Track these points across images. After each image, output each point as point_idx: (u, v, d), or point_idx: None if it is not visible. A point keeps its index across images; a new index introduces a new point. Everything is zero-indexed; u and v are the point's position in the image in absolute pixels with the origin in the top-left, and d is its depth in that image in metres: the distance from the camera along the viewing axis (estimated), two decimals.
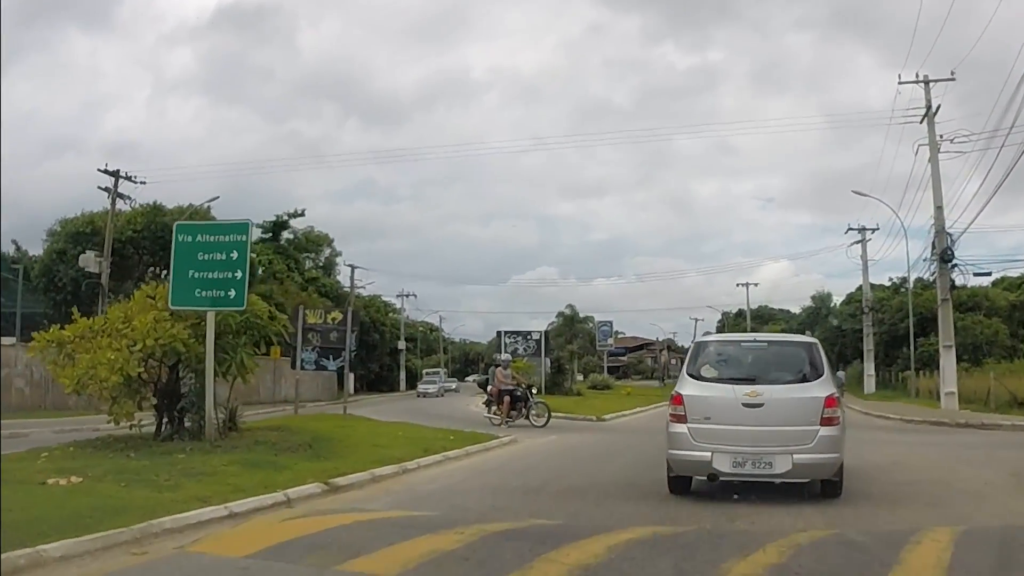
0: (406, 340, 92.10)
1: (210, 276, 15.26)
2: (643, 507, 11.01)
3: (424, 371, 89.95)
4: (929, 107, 37.91)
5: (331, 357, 30.96)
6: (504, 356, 30.88)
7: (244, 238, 15.37)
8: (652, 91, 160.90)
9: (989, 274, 37.79)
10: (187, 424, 15.99)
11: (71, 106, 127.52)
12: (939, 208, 36.98)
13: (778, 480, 11.16)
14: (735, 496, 11.29)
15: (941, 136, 37.60)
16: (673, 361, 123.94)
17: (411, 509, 10.67)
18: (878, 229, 59.72)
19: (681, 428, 11.51)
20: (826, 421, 11.07)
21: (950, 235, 36.60)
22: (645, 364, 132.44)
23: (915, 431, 28.32)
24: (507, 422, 27.31)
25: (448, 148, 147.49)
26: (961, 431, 28.06)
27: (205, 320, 15.33)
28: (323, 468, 13.31)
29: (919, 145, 38.70)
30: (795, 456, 10.89)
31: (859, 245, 61.93)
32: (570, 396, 44.29)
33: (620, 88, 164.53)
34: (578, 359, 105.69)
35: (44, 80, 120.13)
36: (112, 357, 14.49)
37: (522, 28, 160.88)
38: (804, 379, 11.60)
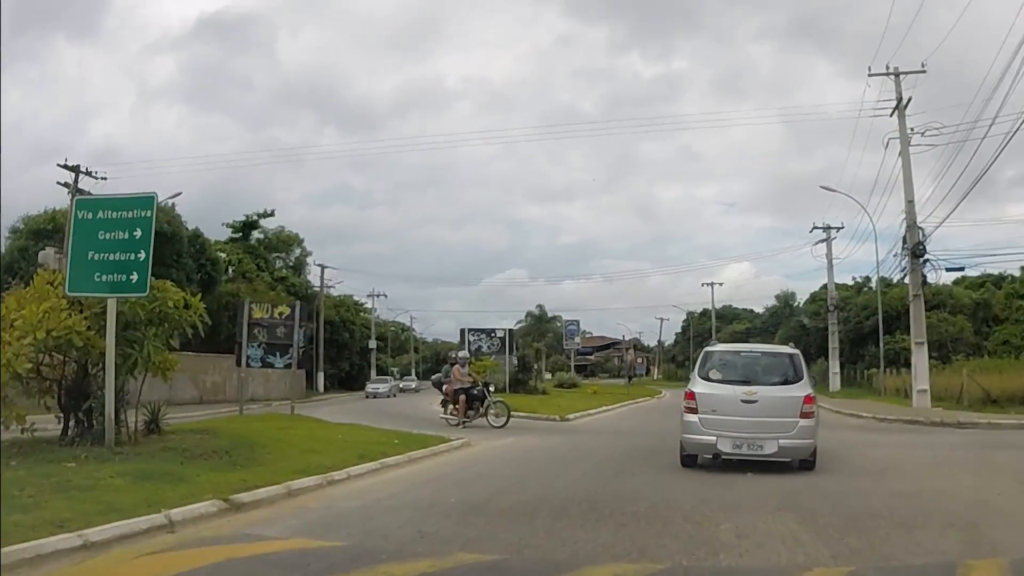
0: (378, 339, 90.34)
1: (110, 258, 12.72)
2: (603, 532, 8.72)
3: (393, 369, 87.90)
4: (900, 99, 35.96)
5: (278, 354, 27.99)
6: (462, 353, 28.04)
7: (149, 214, 12.81)
8: (618, 99, 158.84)
9: (962, 269, 35.67)
10: (95, 427, 13.53)
11: (59, 114, 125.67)
12: (910, 202, 35.01)
13: (767, 459, 13.44)
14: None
15: (912, 129, 35.70)
16: (639, 360, 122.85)
17: (318, 536, 8.42)
18: (843, 227, 57.97)
19: (693, 417, 14.01)
20: (804, 415, 13.53)
21: (922, 230, 34.64)
22: (612, 363, 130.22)
23: (891, 430, 26.33)
24: (464, 422, 25.04)
25: (422, 154, 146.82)
26: (939, 430, 26.16)
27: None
28: (231, 480, 11.00)
29: (889, 139, 36.81)
30: (780, 441, 13.38)
31: (823, 244, 59.87)
32: (535, 395, 41.74)
33: (588, 96, 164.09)
34: (546, 358, 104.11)
35: (32, 88, 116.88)
36: None
37: (494, 39, 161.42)
38: (787, 382, 14.14)
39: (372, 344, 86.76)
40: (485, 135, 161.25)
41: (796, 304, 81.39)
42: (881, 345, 45.09)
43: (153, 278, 13.35)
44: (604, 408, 34.83)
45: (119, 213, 12.99)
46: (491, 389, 26.07)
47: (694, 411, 13.98)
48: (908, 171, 35.41)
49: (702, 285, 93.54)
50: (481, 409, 25.29)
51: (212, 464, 12.23)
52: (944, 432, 25.12)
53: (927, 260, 34.58)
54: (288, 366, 28.59)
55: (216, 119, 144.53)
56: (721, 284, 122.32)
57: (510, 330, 46.38)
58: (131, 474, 10.74)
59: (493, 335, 46.19)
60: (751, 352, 16.17)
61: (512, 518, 9.50)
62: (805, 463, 13.77)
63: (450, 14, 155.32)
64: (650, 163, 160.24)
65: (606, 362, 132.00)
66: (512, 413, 26.82)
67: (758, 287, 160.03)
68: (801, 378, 14.19)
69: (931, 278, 34.63)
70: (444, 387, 26.44)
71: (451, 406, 25.77)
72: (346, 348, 77.76)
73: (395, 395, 61.67)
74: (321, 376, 69.32)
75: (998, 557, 7.17)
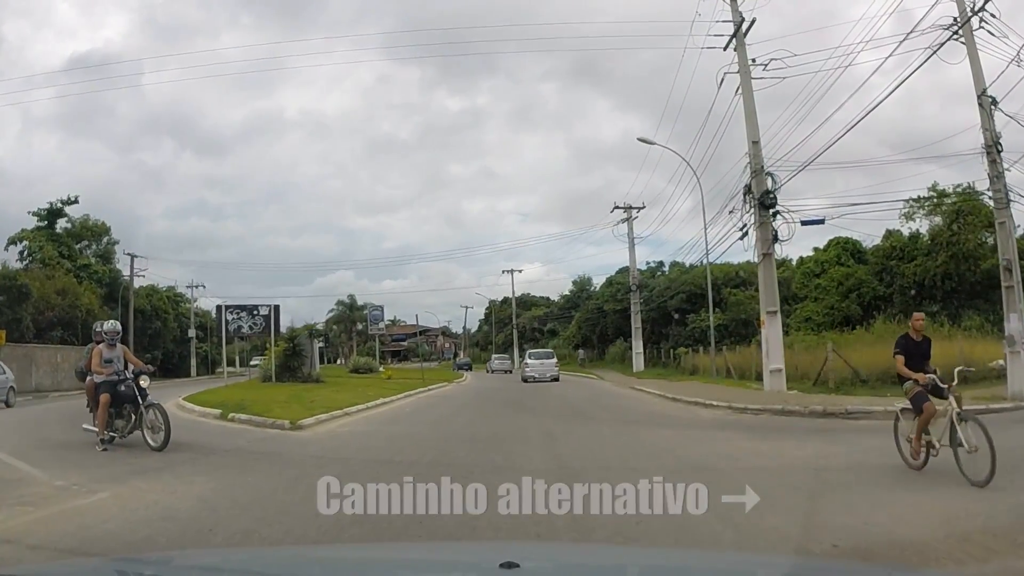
0: (199, 329, 75.03)
1: None
2: None
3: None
4: (739, 24, 24.42)
5: None
6: (108, 324, 12.91)
7: None
8: (430, 128, 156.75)
9: (822, 221, 24.09)
10: None
11: None
12: (756, 143, 23.57)
13: (547, 380, 37.88)
14: None
15: (753, 60, 24.32)
16: (448, 344, 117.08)
17: None
18: (644, 207, 46.90)
19: (527, 369, 40.71)
20: (555, 366, 40.86)
21: (771, 175, 23.15)
22: (423, 348, 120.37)
23: (786, 430, 14.49)
24: (109, 439, 11.98)
25: (266, 174, 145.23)
26: (837, 424, 14.98)
27: None
28: None
29: (725, 73, 25.17)
30: (550, 373, 38.95)
31: (625, 225, 48.39)
32: (306, 383, 28.14)
33: (404, 126, 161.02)
34: (362, 343, 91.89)
35: None
36: None
37: (326, 77, 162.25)
38: (551, 359, 41.90)
39: (191, 333, 72.19)
40: (319, 158, 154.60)
41: (592, 289, 70.36)
42: (711, 321, 33.17)
43: None
44: (380, 401, 21.12)
45: None
46: (144, 383, 12.17)
47: (527, 368, 40.37)
48: (751, 107, 24.05)
49: (503, 272, 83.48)
50: (134, 417, 12.03)
51: None
52: (856, 430, 13.98)
53: (778, 212, 23.12)
54: None
55: (91, 144, 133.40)
56: (521, 271, 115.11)
57: (276, 306, 31.46)
58: None
59: (256, 313, 31.33)
60: (541, 351, 45.63)
61: None
62: (555, 380, 36.96)
63: (289, 57, 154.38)
64: (458, 181, 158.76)
65: (418, 347, 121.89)
66: (232, 416, 14.44)
67: (551, 281, 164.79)
68: (555, 358, 42.65)
69: (783, 233, 23.06)
70: (87, 380, 12.85)
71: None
72: (159, 336, 64.05)
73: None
74: None
75: None
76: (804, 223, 22.82)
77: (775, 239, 22.86)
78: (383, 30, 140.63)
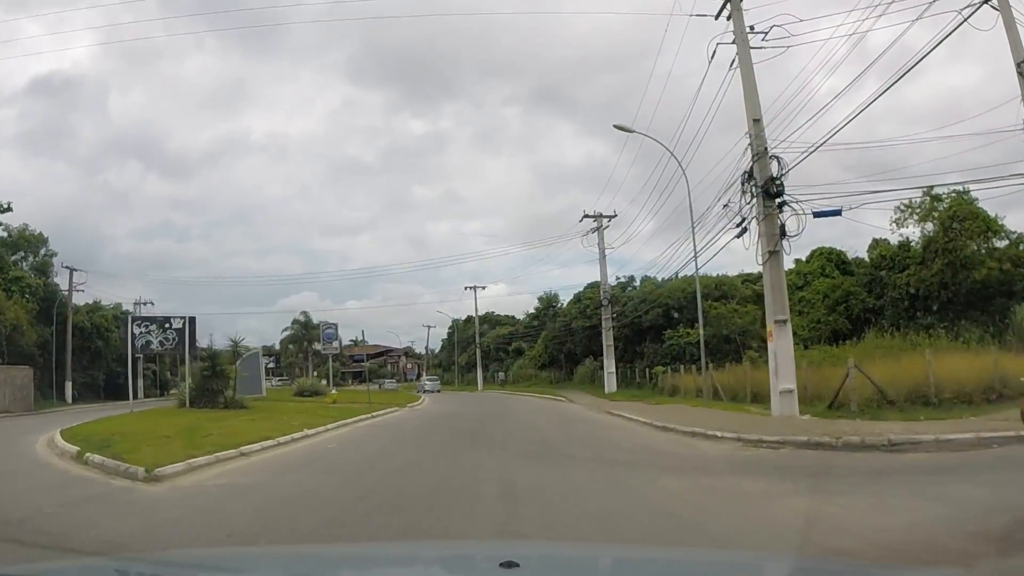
0: None
1: None
2: None
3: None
4: None
5: None
6: None
7: None
8: (394, 151, 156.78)
9: (838, 212, 19.76)
10: None
11: None
12: (757, 122, 19.68)
13: (436, 392, 60.44)
14: None
15: (751, 27, 20.63)
16: (410, 366, 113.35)
17: None
18: (616, 216, 42.93)
19: (424, 384, 64.57)
20: (438, 384, 67.02)
21: (778, 159, 19.26)
22: (386, 369, 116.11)
23: (828, 475, 10.62)
24: None
25: (231, 196, 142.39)
26: (886, 461, 11.53)
27: None
28: None
29: (718, 44, 21.38)
30: (437, 389, 63.16)
31: (594, 237, 44.25)
32: (227, 409, 23.39)
33: (369, 149, 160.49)
34: (322, 364, 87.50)
35: None
36: None
37: (292, 101, 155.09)
38: (437, 380, 69.89)
39: (138, 353, 66.98)
40: (284, 180, 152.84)
41: (559, 306, 66.06)
42: (702, 335, 28.63)
43: None
44: (301, 434, 16.54)
45: None
46: None
47: (426, 385, 63.69)
48: (750, 81, 20.20)
49: (465, 288, 79.18)
50: None
51: None
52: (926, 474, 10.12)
53: (784, 203, 19.25)
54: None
55: (56, 165, 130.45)
56: (484, 288, 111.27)
57: (191, 318, 26.33)
58: None
59: (168, 327, 26.39)
60: (432, 376, 74.96)
61: None
62: (438, 391, 60.03)
63: (256, 79, 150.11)
64: (422, 203, 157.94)
65: (380, 368, 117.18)
66: (87, 457, 11.71)
67: (517, 299, 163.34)
68: (439, 380, 70.30)
69: (792, 227, 19.09)
70: None
71: None
72: (100, 356, 59.50)
73: None
74: (69, 385, 52.66)
75: None
76: (816, 215, 18.87)
77: (782, 234, 18.95)
78: (347, 55, 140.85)
